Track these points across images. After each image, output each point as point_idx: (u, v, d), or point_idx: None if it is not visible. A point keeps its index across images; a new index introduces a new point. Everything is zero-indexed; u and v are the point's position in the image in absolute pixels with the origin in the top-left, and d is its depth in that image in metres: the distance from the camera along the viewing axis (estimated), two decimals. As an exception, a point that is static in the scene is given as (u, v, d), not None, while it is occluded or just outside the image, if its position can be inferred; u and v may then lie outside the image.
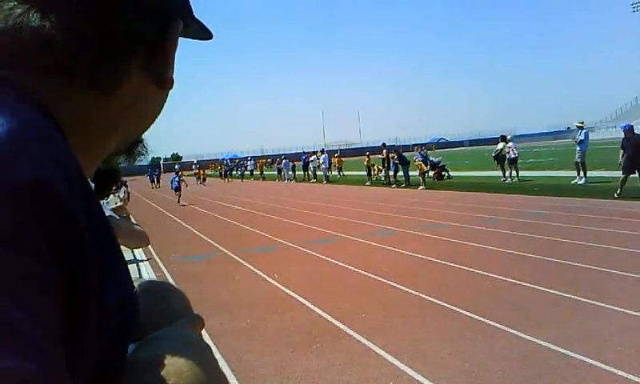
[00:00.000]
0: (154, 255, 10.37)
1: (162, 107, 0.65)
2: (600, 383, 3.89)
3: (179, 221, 16.81)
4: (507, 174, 21.53)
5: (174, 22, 0.61)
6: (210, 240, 12.16)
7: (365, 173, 29.08)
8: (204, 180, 46.49)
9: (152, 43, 0.58)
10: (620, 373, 3.99)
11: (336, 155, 35.01)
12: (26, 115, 0.43)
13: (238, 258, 9.59)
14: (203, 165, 59.93)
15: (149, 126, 0.65)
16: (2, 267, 0.35)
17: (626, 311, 5.31)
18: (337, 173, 34.10)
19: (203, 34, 0.71)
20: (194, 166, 51.23)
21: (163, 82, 0.61)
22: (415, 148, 26.69)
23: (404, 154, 25.06)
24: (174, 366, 0.50)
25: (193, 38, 0.70)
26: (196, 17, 0.67)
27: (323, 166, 33.03)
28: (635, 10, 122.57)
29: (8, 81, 0.47)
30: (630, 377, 3.91)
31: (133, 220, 3.85)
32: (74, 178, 0.43)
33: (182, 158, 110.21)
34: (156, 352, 0.51)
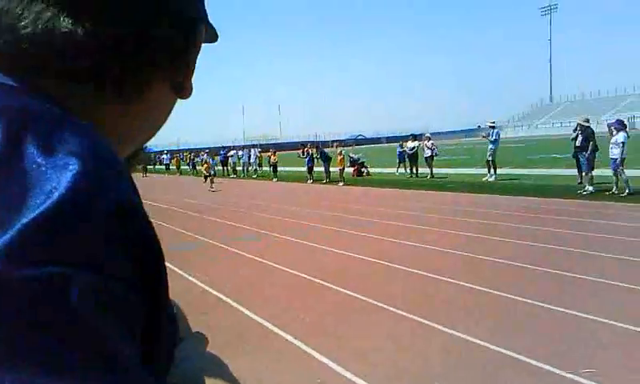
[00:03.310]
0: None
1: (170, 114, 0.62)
2: (515, 370, 4.06)
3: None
4: (422, 170, 22.35)
5: (199, 28, 0.58)
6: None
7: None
8: None
9: (178, 51, 0.55)
10: (534, 362, 4.18)
11: (271, 150, 32.40)
12: (99, 135, 0.43)
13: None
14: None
15: (155, 134, 0.62)
16: (102, 296, 0.36)
17: (541, 304, 5.56)
18: (258, 168, 33.70)
19: (212, 36, 0.67)
20: None
21: (183, 90, 0.58)
22: (334, 144, 26.94)
23: (325, 149, 25.28)
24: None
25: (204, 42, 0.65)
26: (210, 21, 0.63)
27: (253, 160, 33.10)
28: (544, 13, 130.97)
29: (46, 94, 0.45)
30: (547, 367, 4.11)
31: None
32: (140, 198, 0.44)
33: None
34: (192, 370, 0.59)
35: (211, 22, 0.63)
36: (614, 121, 14.06)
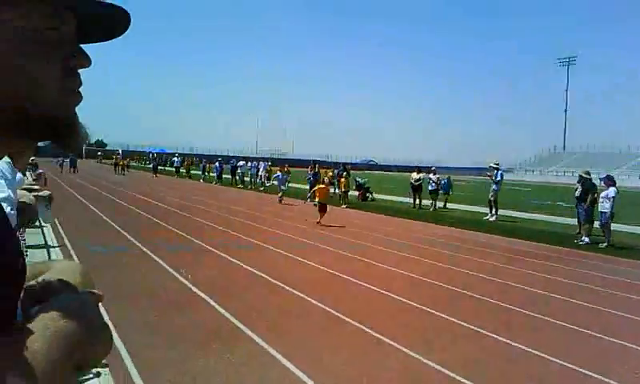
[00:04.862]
0: (66, 242, 10.15)
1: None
2: None
3: (95, 209, 16.41)
4: (430, 202, 22.62)
5: None
6: (124, 232, 11.97)
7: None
8: (123, 168, 45.68)
9: None
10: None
11: (282, 167, 31.13)
12: None
13: (151, 254, 9.57)
14: (127, 155, 58.57)
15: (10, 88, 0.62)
16: None
17: (504, 340, 5.81)
18: (266, 181, 34.01)
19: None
20: (115, 156, 50.05)
21: None
22: (339, 166, 27.26)
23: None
24: (60, 313, 0.63)
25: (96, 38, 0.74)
26: None
27: (261, 173, 33.41)
28: (561, 64, 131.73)
29: None
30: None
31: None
32: None
33: (107, 145, 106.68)
34: (47, 307, 0.65)
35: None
36: (604, 176, 14.43)
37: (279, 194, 23.04)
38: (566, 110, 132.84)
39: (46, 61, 0.64)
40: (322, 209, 15.68)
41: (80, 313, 0.66)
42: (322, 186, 16.48)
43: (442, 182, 23.56)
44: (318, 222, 15.34)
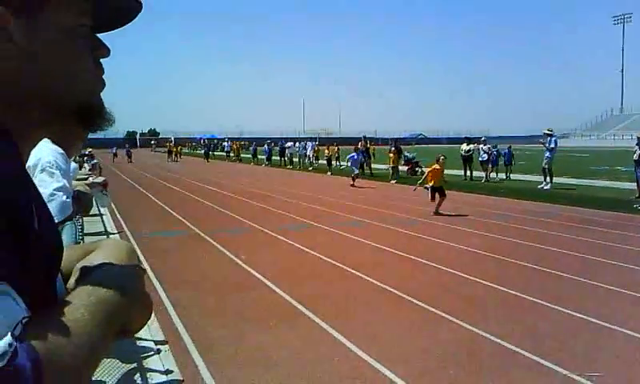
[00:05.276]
0: (125, 229, 10.54)
1: (65, 53, 0.69)
2: (523, 369, 4.30)
3: (151, 196, 16.93)
4: (486, 174, 22.39)
5: None
6: (181, 218, 12.32)
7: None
8: (176, 155, 46.82)
9: None
10: (537, 359, 4.38)
11: (335, 144, 33.64)
12: None
13: (208, 238, 9.83)
14: (179, 143, 59.94)
15: (62, 80, 0.69)
16: None
17: (565, 310, 5.72)
18: (314, 161, 34.39)
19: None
20: (168, 143, 51.27)
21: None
22: (390, 142, 27.08)
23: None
24: (103, 283, 0.69)
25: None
26: None
27: (309, 153, 34.27)
28: (616, 22, 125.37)
29: None
30: (541, 361, 4.31)
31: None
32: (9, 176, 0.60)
33: (159, 134, 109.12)
34: (91, 279, 0.70)
35: None
36: None
37: (352, 175, 21.43)
38: (622, 70, 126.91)
39: (80, 54, 0.70)
40: (439, 193, 13.07)
41: (121, 283, 0.71)
42: (437, 166, 13.28)
43: (503, 152, 23.14)
44: (435, 213, 12.79)
